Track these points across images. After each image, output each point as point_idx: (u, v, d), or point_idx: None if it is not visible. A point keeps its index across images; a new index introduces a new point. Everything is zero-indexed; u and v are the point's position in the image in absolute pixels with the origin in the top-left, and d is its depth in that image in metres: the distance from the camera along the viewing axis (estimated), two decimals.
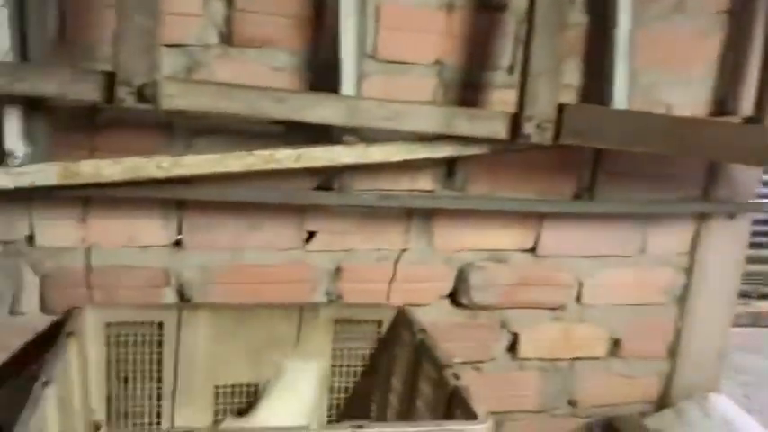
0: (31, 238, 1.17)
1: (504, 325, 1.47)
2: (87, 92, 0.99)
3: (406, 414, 1.22)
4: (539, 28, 1.14)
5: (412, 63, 1.25)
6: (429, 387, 1.15)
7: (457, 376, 1.07)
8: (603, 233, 1.45)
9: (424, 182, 1.32)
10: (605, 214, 1.43)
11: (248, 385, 1.31)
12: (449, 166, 1.33)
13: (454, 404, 1.04)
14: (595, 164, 1.40)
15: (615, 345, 1.54)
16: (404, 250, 1.36)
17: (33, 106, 1.05)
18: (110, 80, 0.99)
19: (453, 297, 1.43)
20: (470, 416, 0.98)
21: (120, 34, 0.99)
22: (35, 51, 1.02)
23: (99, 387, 1.23)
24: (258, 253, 1.29)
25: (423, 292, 1.40)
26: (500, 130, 1.17)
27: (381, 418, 1.36)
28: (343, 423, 0.91)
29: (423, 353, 1.19)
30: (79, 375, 1.12)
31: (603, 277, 1.49)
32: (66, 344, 1.07)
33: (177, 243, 1.25)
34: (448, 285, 1.42)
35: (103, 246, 1.21)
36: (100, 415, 1.24)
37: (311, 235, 1.31)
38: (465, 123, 1.16)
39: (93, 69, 1.03)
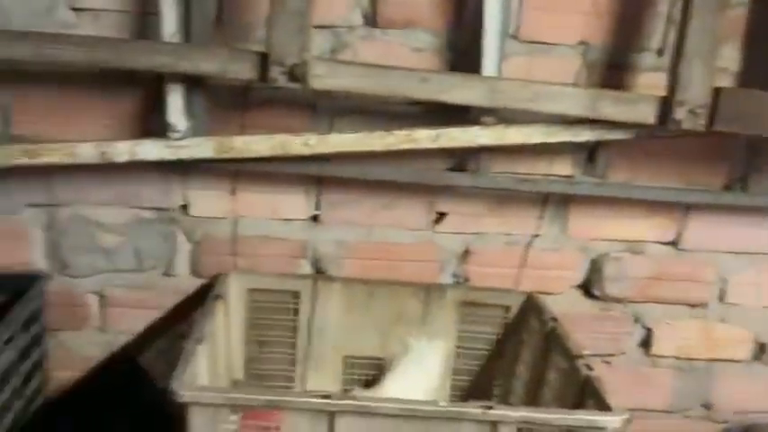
0: (185, 208, 1.27)
1: (637, 319, 1.41)
2: (243, 71, 1.05)
3: (532, 402, 1.21)
4: (697, 7, 1.07)
5: (555, 44, 1.22)
6: (558, 377, 1.13)
7: (590, 367, 1.05)
8: (755, 228, 1.35)
9: (562, 166, 1.29)
10: (759, 208, 1.32)
11: (375, 358, 1.35)
12: (589, 151, 1.29)
13: (586, 395, 1.01)
14: (750, 153, 1.30)
15: (761, 349, 1.43)
16: (536, 236, 1.34)
17: (194, 84, 1.12)
18: (264, 60, 1.05)
19: (585, 287, 1.39)
20: (604, 408, 0.95)
21: (273, 16, 1.03)
22: (197, 33, 1.09)
23: (239, 348, 1.31)
24: (390, 231, 1.32)
25: (553, 280, 1.37)
26: (648, 114, 1.12)
27: (504, 403, 1.35)
28: (472, 402, 0.91)
29: (553, 341, 1.17)
30: (224, 336, 1.20)
31: (751, 276, 1.39)
32: (214, 306, 1.15)
33: (315, 218, 1.30)
34: (580, 275, 1.38)
35: (249, 217, 1.28)
36: (238, 374, 1.32)
37: (441, 216, 1.32)
38: (610, 106, 1.12)
39: (249, 50, 1.08)
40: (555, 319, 1.21)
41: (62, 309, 1.30)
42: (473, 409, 0.90)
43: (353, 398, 0.90)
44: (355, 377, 1.35)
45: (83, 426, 1.05)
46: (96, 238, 1.26)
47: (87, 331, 1.32)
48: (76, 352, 1.33)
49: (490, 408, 0.91)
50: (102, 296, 1.30)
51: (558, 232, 1.34)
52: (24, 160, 1.08)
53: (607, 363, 1.43)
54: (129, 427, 1.07)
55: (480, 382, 1.37)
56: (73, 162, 1.11)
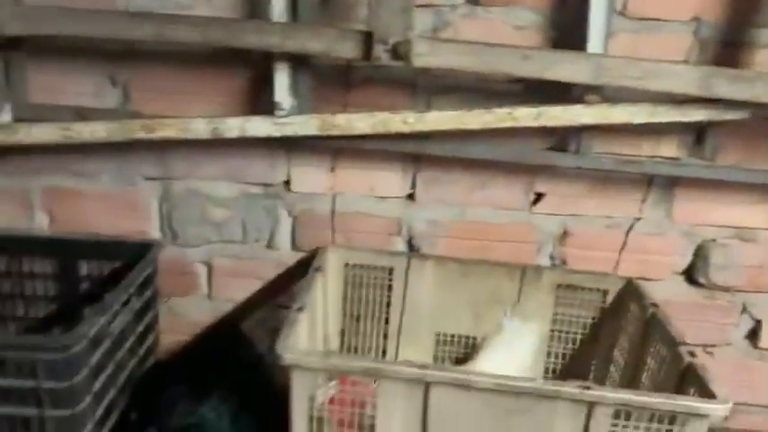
0: (287, 183, 1.31)
1: (745, 309, 1.35)
2: (348, 50, 1.08)
3: (629, 387, 1.18)
4: None
5: (665, 20, 1.17)
6: (657, 364, 1.10)
7: (693, 354, 1.01)
8: None
9: (668, 148, 1.24)
10: None
11: (467, 337, 1.36)
12: (697, 132, 1.24)
13: (688, 382, 0.98)
14: None
15: None
16: (638, 219, 1.30)
17: (299, 63, 1.16)
18: (367, 39, 1.07)
19: (688, 274, 1.34)
20: (707, 395, 0.92)
21: None
22: (304, 13, 1.13)
23: (335, 321, 1.35)
24: (485, 211, 1.32)
25: (655, 265, 1.33)
26: (766, 93, 1.06)
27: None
28: (569, 381, 0.90)
29: (653, 327, 1.14)
30: (321, 308, 1.24)
31: None
32: (314, 277, 1.19)
33: (411, 196, 1.32)
34: (684, 261, 1.33)
35: (347, 194, 1.32)
36: (334, 346, 1.37)
37: (539, 196, 1.31)
38: (725, 85, 1.06)
39: (353, 29, 1.11)
40: (655, 305, 1.18)
41: (173, 276, 1.38)
42: (570, 388, 0.90)
43: (450, 369, 0.91)
44: (446, 354, 1.37)
45: (189, 382, 1.12)
46: (206, 210, 1.33)
47: (195, 298, 1.40)
48: (185, 317, 1.41)
49: (588, 388, 0.90)
50: (209, 265, 1.38)
51: (661, 216, 1.30)
52: (142, 135, 1.16)
53: (709, 353, 1.38)
54: (230, 385, 1.13)
55: (574, 366, 1.35)
56: (186, 137, 1.17)
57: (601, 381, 1.32)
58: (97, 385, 1.06)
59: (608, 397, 0.90)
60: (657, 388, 1.08)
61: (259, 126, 1.16)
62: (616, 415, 0.91)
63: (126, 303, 1.17)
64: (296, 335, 1.00)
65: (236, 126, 1.16)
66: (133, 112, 1.25)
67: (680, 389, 1.00)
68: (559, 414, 0.92)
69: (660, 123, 1.15)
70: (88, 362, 1.02)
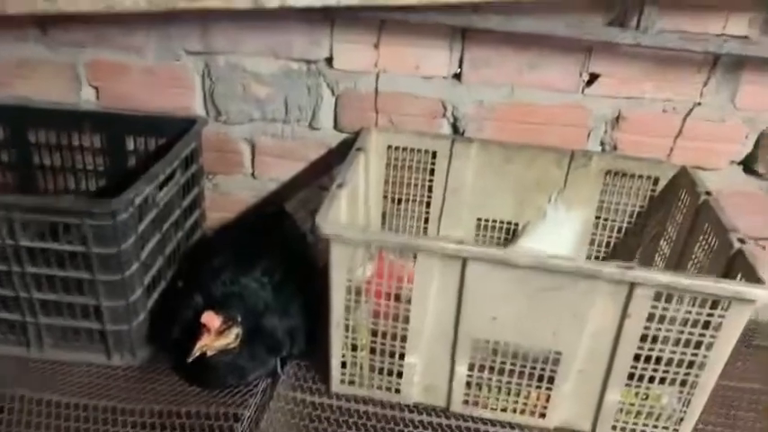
0: (329, 60, 1.28)
1: None
2: None
3: None
4: None
5: None
6: (705, 253, 1.07)
7: (743, 240, 0.98)
8: None
9: (739, 25, 1.14)
10: None
11: (509, 223, 1.34)
12: None
13: (735, 267, 0.96)
14: None
15: None
16: (698, 104, 1.23)
17: None
18: None
19: (747, 164, 1.27)
20: (755, 280, 0.89)
21: None
22: None
23: (376, 203, 1.35)
24: (535, 92, 1.26)
25: (712, 153, 1.26)
26: None
27: None
28: (612, 262, 0.89)
29: (704, 215, 1.10)
30: (363, 188, 1.24)
31: None
32: (355, 156, 1.18)
33: (457, 76, 1.27)
34: (744, 150, 1.26)
35: (391, 73, 1.27)
36: (375, 227, 1.37)
37: (594, 77, 1.24)
38: None
39: None
40: (709, 192, 1.13)
41: (217, 154, 1.39)
42: (611, 268, 0.88)
43: (487, 247, 0.90)
44: (487, 239, 1.36)
45: (234, 254, 1.15)
46: (248, 87, 1.32)
47: (239, 176, 1.42)
48: (229, 195, 1.43)
49: (630, 268, 0.88)
50: (252, 144, 1.38)
51: (724, 101, 1.22)
52: (184, 4, 1.13)
53: (762, 247, 1.33)
54: (273, 259, 1.15)
55: (619, 255, 1.33)
56: (228, 7, 1.13)
57: None
58: (144, 253, 1.10)
59: (649, 278, 0.88)
60: (705, 273, 1.05)
61: None
62: (657, 297, 0.90)
63: (171, 177, 1.19)
64: (336, 209, 1.00)
65: None
66: None
67: (727, 274, 0.98)
68: (599, 293, 0.91)
69: None
70: (135, 229, 1.05)
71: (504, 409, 1.04)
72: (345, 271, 0.96)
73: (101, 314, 1.08)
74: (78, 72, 1.35)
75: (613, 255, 1.33)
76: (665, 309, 0.90)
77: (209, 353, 1.01)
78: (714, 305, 0.89)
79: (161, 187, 1.14)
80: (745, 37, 1.15)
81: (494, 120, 1.29)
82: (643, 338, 0.93)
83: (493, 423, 1.04)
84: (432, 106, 1.30)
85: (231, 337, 1.02)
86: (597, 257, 1.34)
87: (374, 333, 1.01)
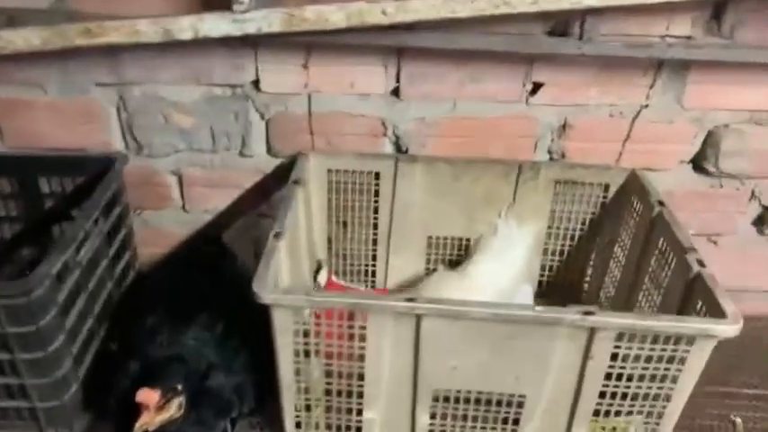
0: (256, 83, 1.18)
1: (754, 196, 1.27)
2: None
3: (632, 288, 1.14)
4: None
5: None
6: (662, 268, 1.04)
7: (702, 263, 0.95)
8: None
9: (682, 26, 1.09)
10: None
11: (461, 239, 1.29)
12: (714, 7, 1.09)
13: (696, 294, 0.93)
14: None
15: None
16: (644, 106, 1.19)
17: None
18: None
19: (696, 162, 1.25)
20: (716, 312, 0.86)
21: None
22: None
23: (321, 229, 1.28)
24: (478, 105, 1.19)
25: (660, 154, 1.23)
26: None
27: (599, 285, 1.29)
28: (571, 308, 0.84)
29: (659, 228, 1.07)
30: (305, 219, 1.16)
31: None
32: (293, 191, 1.10)
33: (395, 92, 1.18)
34: (692, 149, 1.23)
35: (324, 93, 1.18)
36: (321, 254, 1.30)
37: (537, 86, 1.18)
38: None
39: None
40: (662, 203, 1.09)
41: (143, 189, 1.28)
42: (571, 314, 0.84)
43: (441, 302, 0.84)
44: (439, 257, 1.31)
45: (169, 308, 1.06)
46: (170, 117, 1.21)
47: (170, 210, 1.32)
48: (161, 229, 1.33)
49: (589, 313, 0.84)
50: (180, 176, 1.28)
51: (670, 101, 1.18)
52: (83, 41, 1.01)
53: (714, 242, 1.32)
54: (213, 308, 1.07)
55: (573, 262, 1.30)
56: (136, 41, 1.02)
57: (600, 277, 1.28)
58: (69, 322, 1.00)
59: (610, 322, 0.84)
60: (664, 293, 1.03)
61: (216, 25, 1.01)
62: (618, 338, 0.86)
63: (94, 223, 1.09)
64: (276, 265, 0.92)
65: (188, 26, 1.01)
66: (72, 12, 1.08)
67: (686, 299, 0.95)
68: (560, 337, 0.87)
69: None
70: (55, 301, 0.95)
71: None
72: (291, 334, 0.89)
73: (27, 393, 0.99)
74: None
75: (567, 263, 1.30)
76: (628, 348, 0.87)
77: (152, 429, 0.93)
78: (677, 341, 0.86)
79: (82, 243, 1.04)
80: (689, 37, 1.10)
81: (437, 136, 1.22)
82: (607, 376, 0.90)
83: None
84: (371, 125, 1.22)
85: (173, 409, 0.94)
86: (551, 267, 1.31)
87: (328, 392, 0.95)
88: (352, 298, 0.86)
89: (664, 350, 0.87)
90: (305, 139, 1.23)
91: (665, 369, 0.89)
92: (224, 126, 1.22)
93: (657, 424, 0.95)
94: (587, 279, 1.32)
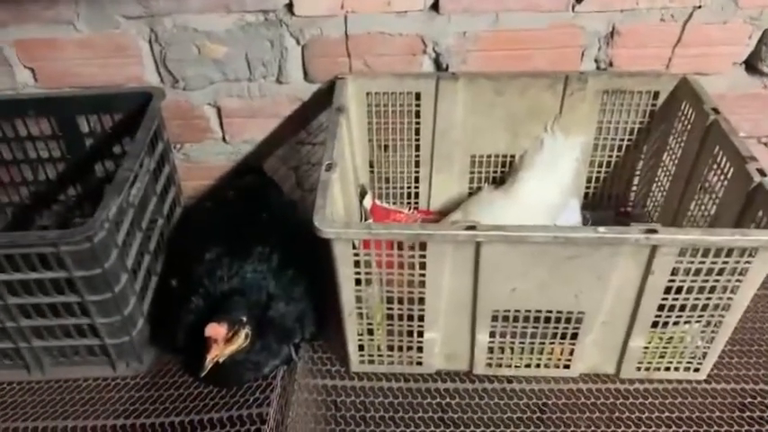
0: (289, 7, 1.13)
1: None
2: None
3: (682, 198, 1.12)
4: None
5: None
6: (720, 180, 1.02)
7: (763, 173, 0.93)
8: None
9: None
10: None
11: (505, 156, 1.27)
12: None
13: (756, 205, 0.91)
14: None
15: None
16: (697, 7, 1.13)
17: None
18: None
19: (750, 63, 1.20)
20: None
21: None
22: None
23: (362, 154, 1.26)
24: (521, 16, 1.14)
25: (713, 58, 1.18)
26: None
27: (646, 194, 1.28)
28: (633, 226, 0.84)
29: (714, 137, 1.04)
30: (348, 146, 1.14)
31: None
32: (337, 118, 1.08)
33: (434, 7, 1.14)
34: (747, 50, 1.18)
35: (360, 12, 1.14)
36: (364, 179, 1.29)
37: None
38: None
39: None
40: (717, 111, 1.06)
41: (181, 122, 1.27)
42: (634, 234, 0.83)
43: (502, 228, 0.84)
44: (483, 175, 1.29)
45: (225, 242, 1.07)
46: (204, 48, 1.18)
47: (210, 143, 1.31)
48: (203, 162, 1.33)
49: (653, 231, 0.83)
50: (218, 108, 1.26)
51: (725, 1, 1.12)
52: None
53: (764, 144, 1.29)
54: (266, 239, 1.08)
55: (619, 173, 1.28)
56: None
57: (647, 187, 1.27)
58: (130, 261, 1.02)
59: (675, 239, 0.84)
60: (718, 205, 1.02)
61: None
62: (681, 253, 0.86)
63: (140, 168, 1.08)
64: (331, 199, 0.92)
65: None
66: None
67: (746, 209, 0.94)
68: (622, 255, 0.87)
69: None
70: (115, 243, 0.97)
71: (528, 365, 1.03)
72: (351, 265, 0.90)
73: (97, 331, 1.02)
74: (6, 55, 1.19)
75: (613, 174, 1.28)
76: (690, 262, 0.87)
77: (222, 360, 0.96)
78: (740, 254, 0.85)
79: (132, 184, 1.04)
80: None
81: (479, 51, 1.18)
82: (667, 290, 0.90)
83: (518, 380, 1.04)
84: (409, 43, 1.18)
85: (240, 340, 0.98)
86: (597, 178, 1.29)
87: (389, 317, 0.97)
88: (413, 229, 0.86)
89: (726, 263, 0.86)
90: (342, 63, 1.20)
91: (726, 281, 0.89)
92: (259, 54, 1.18)
93: (715, 332, 0.96)
94: (634, 189, 1.30)
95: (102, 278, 0.95)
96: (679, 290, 0.90)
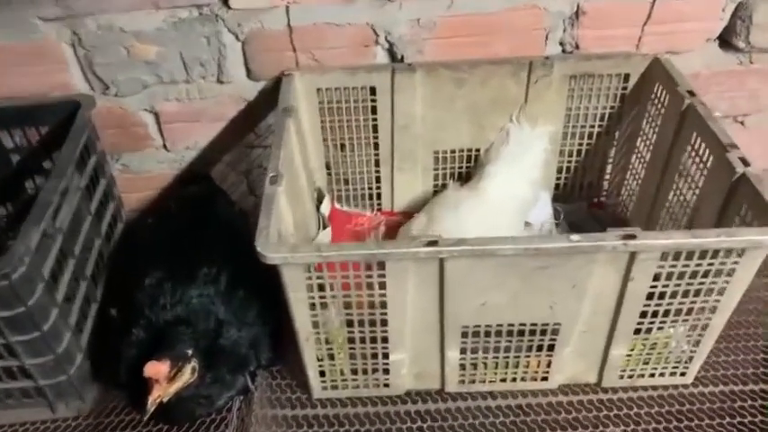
0: (225, 0, 1.03)
1: None
2: None
3: (659, 187, 1.05)
4: None
5: None
6: (699, 169, 0.95)
7: (746, 162, 0.85)
8: None
9: None
10: None
11: (470, 150, 1.19)
12: None
13: (739, 197, 0.84)
14: None
15: None
16: None
17: None
18: None
19: (724, 39, 1.12)
20: (763, 217, 0.79)
21: None
22: None
23: (317, 155, 1.17)
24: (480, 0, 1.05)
25: (685, 34, 1.11)
26: None
27: (620, 182, 1.21)
28: (610, 232, 0.76)
29: (691, 122, 0.97)
30: (299, 149, 1.05)
31: None
32: (283, 122, 0.98)
33: None
34: (720, 24, 1.10)
35: (304, 2, 1.04)
36: (321, 182, 1.20)
37: None
38: None
39: None
40: (692, 93, 0.98)
41: (117, 131, 1.16)
42: (611, 241, 0.76)
43: (465, 242, 0.75)
44: (448, 171, 1.21)
45: (167, 263, 0.98)
46: (133, 49, 1.07)
47: (150, 151, 1.20)
48: (143, 173, 1.23)
49: (631, 237, 0.76)
50: (155, 113, 1.15)
51: None
52: None
53: (741, 123, 1.22)
54: (214, 257, 0.99)
55: (591, 162, 1.21)
56: None
57: (621, 174, 1.19)
58: (61, 293, 0.92)
59: (655, 245, 0.76)
60: (698, 196, 0.95)
61: None
62: (663, 257, 0.79)
63: (66, 189, 0.98)
64: (277, 215, 0.82)
65: None
66: None
67: (728, 201, 0.87)
68: (598, 263, 0.79)
69: None
70: (40, 275, 0.86)
71: (503, 380, 0.96)
72: (304, 289, 0.81)
73: (28, 372, 0.92)
74: None
75: (585, 162, 1.21)
76: (672, 266, 0.79)
77: (167, 398, 0.87)
78: (727, 254, 0.78)
79: (58, 208, 0.94)
80: None
81: (435, 39, 1.09)
82: (649, 296, 0.83)
83: (494, 396, 0.96)
84: (360, 33, 1.08)
85: (186, 375, 0.88)
86: (568, 168, 1.22)
87: (351, 340, 0.88)
88: (369, 249, 0.77)
89: (711, 264, 0.79)
90: (288, 58, 1.10)
91: (712, 283, 0.82)
92: (195, 52, 1.08)
93: (701, 336, 0.90)
94: (607, 177, 1.23)
95: (26, 316, 0.85)
96: (662, 295, 0.83)
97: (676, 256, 0.78)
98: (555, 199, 1.22)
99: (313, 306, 0.83)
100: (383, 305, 0.83)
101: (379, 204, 1.24)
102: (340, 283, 0.80)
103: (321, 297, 0.82)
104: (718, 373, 0.98)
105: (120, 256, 1.10)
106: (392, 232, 1.20)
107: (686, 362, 0.94)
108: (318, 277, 0.80)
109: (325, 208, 1.18)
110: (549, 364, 0.93)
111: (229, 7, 1.03)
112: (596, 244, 0.76)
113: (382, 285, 0.80)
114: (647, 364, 0.94)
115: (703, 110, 0.95)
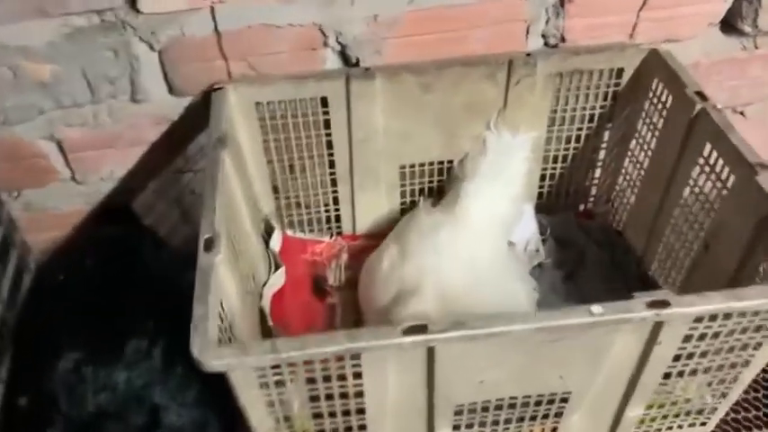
0: (133, 3, 0.81)
1: None
2: None
3: (663, 202, 0.91)
4: None
5: None
6: (711, 181, 0.81)
7: None
8: None
9: None
10: None
11: (441, 162, 1.02)
12: None
13: None
14: None
15: None
16: None
17: None
18: None
19: (727, 22, 0.98)
20: None
21: None
22: None
23: (261, 179, 0.99)
24: None
25: (685, 20, 0.95)
26: None
27: (610, 187, 1.07)
28: (637, 299, 0.61)
29: (703, 130, 0.82)
30: (239, 182, 0.86)
31: None
32: (217, 155, 0.79)
33: None
34: (724, 6, 0.95)
35: (233, 2, 0.83)
36: (267, 208, 1.02)
37: None
38: None
39: None
40: (703, 96, 0.84)
41: (12, 165, 0.95)
42: (640, 312, 0.61)
43: (460, 326, 0.59)
44: (416, 187, 1.04)
45: (85, 339, 0.79)
46: (20, 69, 0.84)
47: (56, 185, 0.99)
48: (50, 210, 1.01)
49: (664, 304, 0.61)
50: (57, 141, 0.94)
51: None
52: None
53: (741, 114, 1.09)
54: (143, 325, 0.80)
55: (577, 167, 1.06)
56: None
57: (612, 179, 1.05)
58: None
59: (689, 313, 0.62)
60: (715, 220, 0.81)
61: None
62: (697, 320, 0.64)
63: None
64: (217, 294, 0.65)
65: None
66: None
67: (758, 235, 0.73)
68: (619, 332, 0.65)
69: None
70: None
71: None
72: (257, 388, 0.64)
73: None
74: None
75: (571, 168, 1.06)
76: (707, 327, 0.66)
77: None
78: None
79: None
80: None
81: (397, 37, 0.90)
82: (675, 358, 0.70)
83: None
84: (305, 35, 0.89)
85: None
86: (552, 175, 1.07)
87: (321, 431, 0.72)
88: (338, 344, 0.60)
89: (751, 321, 0.66)
90: (218, 68, 0.90)
91: (749, 338, 0.69)
92: (100, 68, 0.87)
93: (728, 389, 0.77)
94: (595, 182, 1.09)
95: None
96: (691, 355, 0.70)
97: (712, 318, 0.64)
98: (538, 209, 1.08)
99: (272, 403, 0.66)
100: (359, 395, 0.67)
101: (338, 228, 1.07)
102: (303, 378, 0.63)
103: (280, 393, 0.65)
104: (739, 416, 0.86)
105: (28, 327, 0.90)
106: (356, 261, 1.03)
107: (709, 413, 0.82)
108: (276, 374, 0.62)
109: (276, 243, 1.00)
110: (554, 430, 0.80)
111: (139, 11, 0.82)
112: (622, 317, 0.61)
113: (357, 375, 0.64)
114: (665, 418, 0.81)
115: (718, 117, 0.81)
